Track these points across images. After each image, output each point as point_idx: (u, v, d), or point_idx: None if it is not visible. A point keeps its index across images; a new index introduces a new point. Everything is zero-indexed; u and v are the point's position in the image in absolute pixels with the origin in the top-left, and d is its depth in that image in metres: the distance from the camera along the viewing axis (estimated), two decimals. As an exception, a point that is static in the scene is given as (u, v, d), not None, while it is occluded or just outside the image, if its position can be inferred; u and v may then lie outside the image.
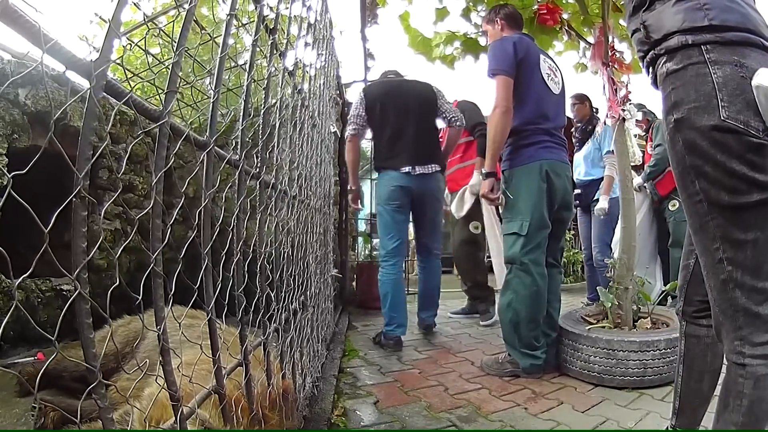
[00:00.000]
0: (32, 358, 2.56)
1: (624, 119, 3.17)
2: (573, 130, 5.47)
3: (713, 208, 1.21)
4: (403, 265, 3.96)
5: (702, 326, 1.55)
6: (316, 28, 2.19)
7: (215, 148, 1.04)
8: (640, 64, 1.43)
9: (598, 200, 4.92)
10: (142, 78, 2.80)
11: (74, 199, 0.65)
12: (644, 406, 2.33)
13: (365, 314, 4.86)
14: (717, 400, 1.31)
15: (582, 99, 5.20)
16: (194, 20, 0.93)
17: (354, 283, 5.62)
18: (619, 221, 3.28)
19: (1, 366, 1.92)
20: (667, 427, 1.70)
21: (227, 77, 3.18)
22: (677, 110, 1.24)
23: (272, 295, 1.53)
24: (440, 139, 4.03)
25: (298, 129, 1.92)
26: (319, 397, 2.24)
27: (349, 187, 4.31)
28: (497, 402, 2.43)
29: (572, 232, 7.82)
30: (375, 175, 4.43)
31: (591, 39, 3.49)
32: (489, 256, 4.67)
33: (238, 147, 1.22)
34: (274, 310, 1.55)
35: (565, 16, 3.79)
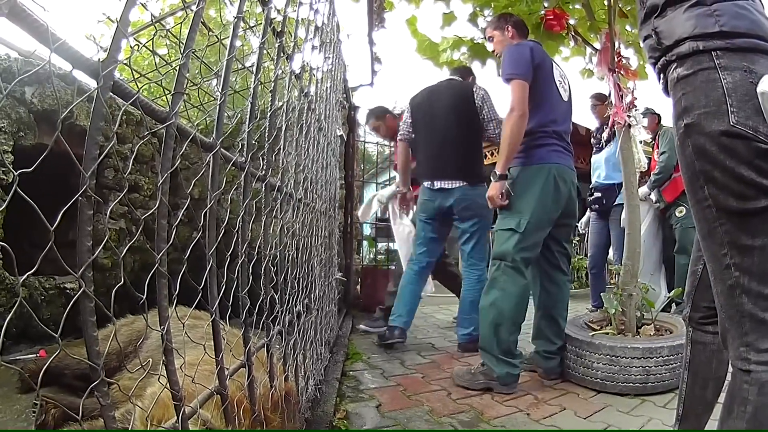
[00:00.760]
0: (34, 356, 2.58)
1: (630, 125, 3.17)
2: (594, 131, 5.44)
3: (721, 213, 1.21)
4: (427, 270, 3.89)
5: (708, 333, 1.55)
6: (324, 32, 2.19)
7: (222, 149, 1.05)
8: (652, 71, 1.43)
9: (617, 206, 4.79)
10: (149, 79, 2.81)
11: (80, 198, 0.65)
12: (646, 412, 2.32)
13: (369, 318, 4.85)
14: (721, 406, 1.30)
15: (602, 99, 4.99)
16: (201, 22, 0.93)
17: (358, 287, 5.62)
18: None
19: (3, 362, 1.93)
20: None
21: (234, 79, 3.19)
22: (687, 115, 1.24)
23: (276, 297, 1.53)
24: (480, 147, 3.87)
25: (304, 132, 1.92)
26: (322, 399, 2.24)
27: (396, 189, 4.33)
28: (500, 407, 2.42)
29: (577, 237, 7.79)
30: (381, 179, 4.46)
31: (597, 45, 3.49)
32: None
33: (245, 149, 1.22)
34: (277, 312, 1.55)
35: (571, 21, 3.79)
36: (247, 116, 1.24)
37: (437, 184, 3.63)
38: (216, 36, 1.45)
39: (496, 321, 2.69)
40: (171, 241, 0.86)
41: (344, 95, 4.66)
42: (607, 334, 2.86)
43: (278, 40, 1.47)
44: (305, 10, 1.80)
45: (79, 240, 0.66)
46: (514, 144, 2.74)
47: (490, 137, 3.71)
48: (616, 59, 3.22)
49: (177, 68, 0.88)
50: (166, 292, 0.86)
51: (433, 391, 2.66)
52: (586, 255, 6.37)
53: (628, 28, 3.78)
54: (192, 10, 0.93)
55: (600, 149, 5.22)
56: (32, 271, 0.61)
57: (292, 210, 1.80)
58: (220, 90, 1.06)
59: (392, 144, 5.26)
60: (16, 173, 0.56)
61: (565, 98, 2.98)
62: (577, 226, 5.98)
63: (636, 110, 3.23)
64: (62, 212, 0.63)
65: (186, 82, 0.91)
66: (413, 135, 3.88)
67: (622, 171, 3.25)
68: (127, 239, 3.50)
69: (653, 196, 4.95)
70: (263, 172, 1.38)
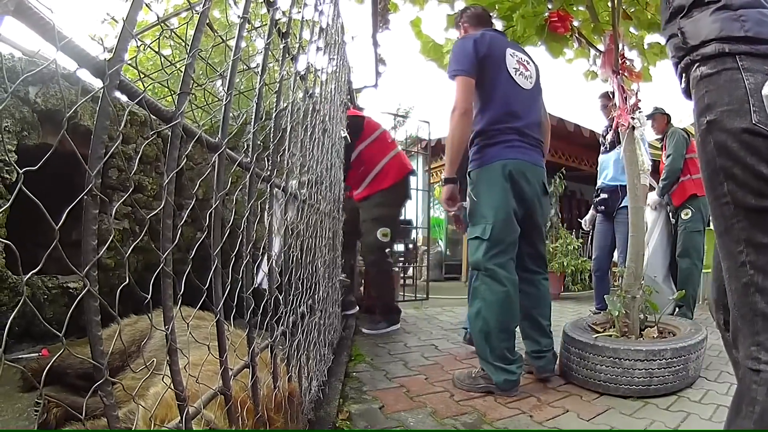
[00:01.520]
0: (37, 354, 2.59)
1: (633, 127, 3.16)
2: (602, 131, 5.41)
3: (739, 210, 1.22)
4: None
5: None
6: (328, 33, 2.20)
7: (227, 150, 1.05)
8: (674, 71, 1.44)
9: (623, 208, 4.74)
10: (153, 79, 2.82)
11: (86, 197, 0.65)
12: (649, 415, 2.31)
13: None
14: (729, 405, 1.30)
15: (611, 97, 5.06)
16: (207, 23, 0.93)
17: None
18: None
19: (6, 361, 1.93)
20: None
21: (239, 80, 3.19)
22: (710, 112, 1.25)
23: (280, 298, 1.53)
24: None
25: (309, 133, 1.92)
26: (325, 400, 2.24)
27: None
28: (503, 409, 2.42)
29: (581, 240, 7.76)
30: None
31: (601, 47, 3.48)
32: None
33: (250, 150, 1.22)
34: (282, 313, 1.55)
35: (575, 23, 3.78)
36: (253, 117, 1.24)
37: None
38: (221, 37, 1.45)
39: (484, 330, 2.66)
40: (176, 242, 0.86)
41: (348, 97, 4.67)
42: (611, 336, 2.86)
43: (283, 41, 1.47)
44: (310, 11, 1.80)
45: (84, 239, 0.66)
46: (458, 144, 2.68)
47: None
48: (620, 61, 3.21)
49: (182, 69, 0.88)
50: (170, 292, 0.86)
51: (435, 392, 2.66)
52: (590, 257, 6.34)
53: (632, 30, 3.78)
54: (197, 11, 0.93)
55: (607, 150, 5.20)
56: (37, 269, 0.61)
57: (297, 211, 1.80)
58: (225, 90, 1.06)
59: None
60: (21, 171, 0.56)
61: (527, 86, 2.86)
62: (581, 225, 5.97)
63: (640, 112, 3.23)
64: (67, 211, 0.63)
65: (191, 83, 0.91)
66: None
67: (626, 173, 3.24)
68: (130, 239, 3.50)
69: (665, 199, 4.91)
70: (268, 172, 1.38)
